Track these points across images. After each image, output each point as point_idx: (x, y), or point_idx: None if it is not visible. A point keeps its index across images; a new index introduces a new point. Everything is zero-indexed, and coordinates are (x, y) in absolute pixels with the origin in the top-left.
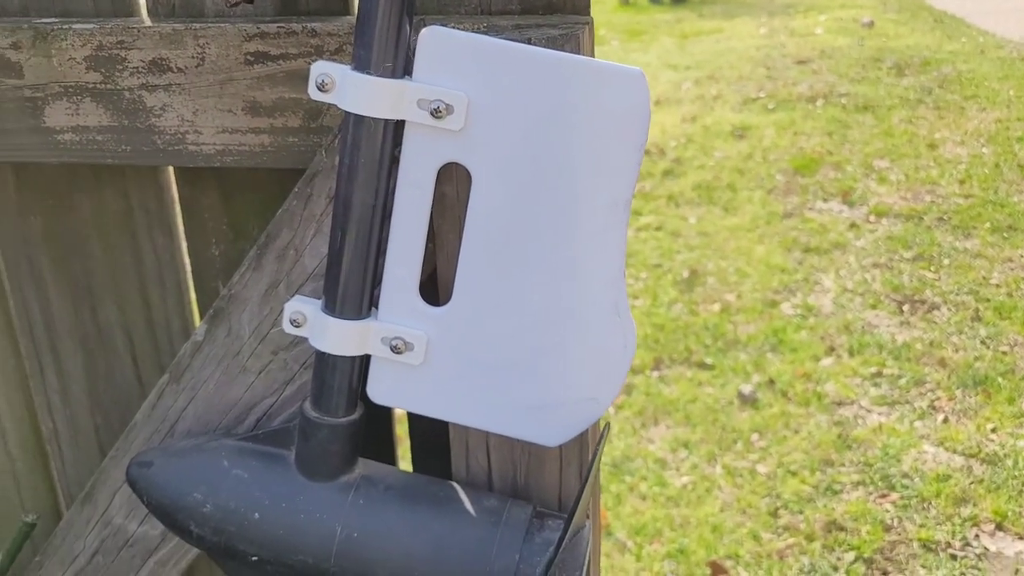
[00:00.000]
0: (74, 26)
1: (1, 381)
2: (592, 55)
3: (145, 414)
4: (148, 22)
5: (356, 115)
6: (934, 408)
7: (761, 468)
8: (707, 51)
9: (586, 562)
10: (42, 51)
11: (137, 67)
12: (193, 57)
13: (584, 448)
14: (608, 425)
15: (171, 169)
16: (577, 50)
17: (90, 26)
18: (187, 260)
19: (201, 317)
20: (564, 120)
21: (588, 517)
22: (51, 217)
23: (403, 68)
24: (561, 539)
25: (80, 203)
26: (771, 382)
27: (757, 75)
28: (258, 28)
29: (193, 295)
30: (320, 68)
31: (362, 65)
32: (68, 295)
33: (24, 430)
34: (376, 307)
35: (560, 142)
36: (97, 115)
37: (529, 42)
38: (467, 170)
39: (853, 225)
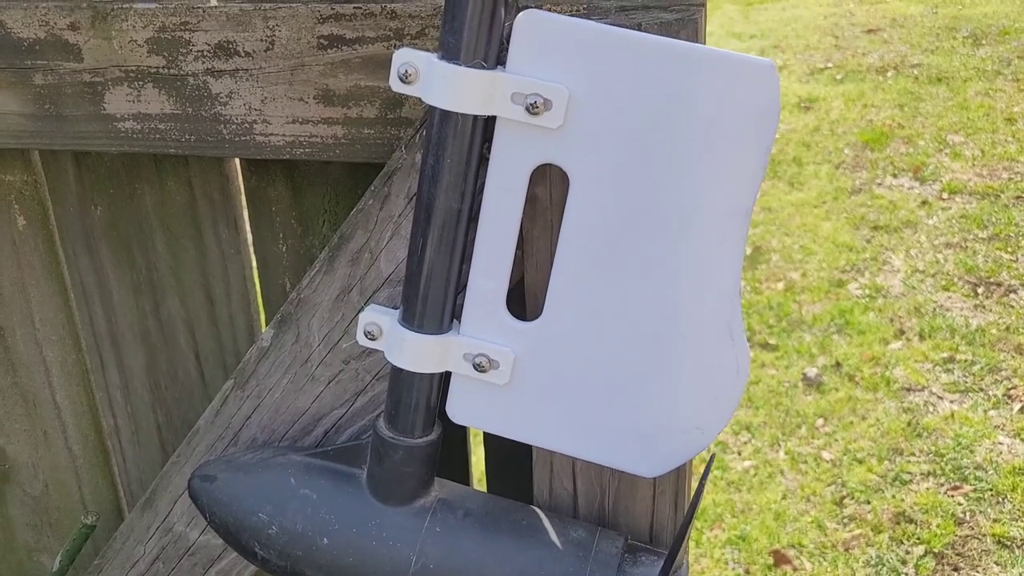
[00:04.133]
0: (135, 5)
1: (62, 375)
2: (706, 42)
3: (208, 420)
4: (214, 1)
5: (442, 110)
6: (1010, 397)
7: (826, 455)
8: (772, 19)
9: None
10: (102, 32)
11: (202, 51)
12: (262, 40)
13: (681, 475)
14: (713, 455)
15: (237, 158)
16: (694, 37)
17: (152, 5)
18: (252, 255)
19: (266, 315)
20: (680, 119)
21: (687, 553)
22: (113, 207)
23: (496, 57)
24: None
25: (142, 193)
26: (837, 365)
27: (824, 45)
28: (333, 9)
29: (259, 292)
30: (403, 57)
31: (450, 54)
32: (130, 288)
33: (85, 426)
34: (458, 319)
35: (675, 144)
36: (160, 102)
37: (639, 28)
38: (564, 171)
39: (925, 202)
